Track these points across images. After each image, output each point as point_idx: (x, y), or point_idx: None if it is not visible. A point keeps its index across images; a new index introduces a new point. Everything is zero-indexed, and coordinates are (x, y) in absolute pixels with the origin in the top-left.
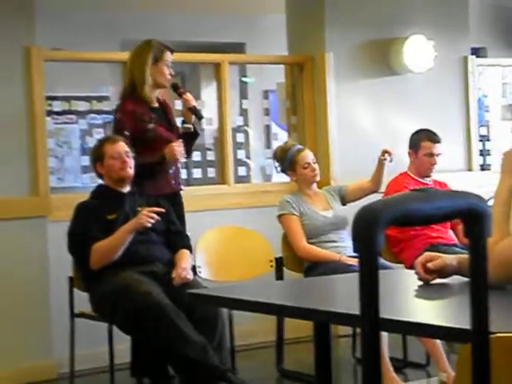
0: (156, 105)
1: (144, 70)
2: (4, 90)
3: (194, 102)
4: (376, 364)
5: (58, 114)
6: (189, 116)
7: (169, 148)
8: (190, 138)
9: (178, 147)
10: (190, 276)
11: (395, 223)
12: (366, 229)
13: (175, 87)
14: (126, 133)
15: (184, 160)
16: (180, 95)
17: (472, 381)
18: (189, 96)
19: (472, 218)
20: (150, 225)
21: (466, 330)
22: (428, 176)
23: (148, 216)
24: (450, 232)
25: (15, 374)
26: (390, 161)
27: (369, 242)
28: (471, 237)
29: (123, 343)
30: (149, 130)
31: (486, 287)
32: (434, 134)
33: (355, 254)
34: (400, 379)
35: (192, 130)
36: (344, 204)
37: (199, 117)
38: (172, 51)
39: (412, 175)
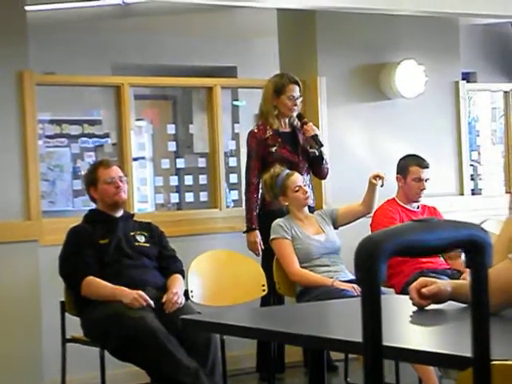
0: (286, 129)
1: (268, 102)
2: None
3: (314, 132)
4: None
5: (49, 137)
6: (312, 143)
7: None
8: (317, 162)
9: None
10: (182, 301)
11: (397, 254)
12: (368, 260)
13: (299, 117)
14: (253, 155)
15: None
16: (302, 125)
17: None
18: (309, 126)
19: (474, 248)
20: (137, 305)
21: (466, 357)
22: (417, 201)
23: (139, 301)
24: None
25: None
26: (382, 185)
27: (371, 273)
28: (473, 267)
29: (114, 368)
30: (272, 153)
31: (488, 316)
32: (422, 159)
33: (348, 279)
34: None
35: (316, 154)
36: (336, 228)
37: (319, 145)
38: (297, 84)
39: (399, 202)
